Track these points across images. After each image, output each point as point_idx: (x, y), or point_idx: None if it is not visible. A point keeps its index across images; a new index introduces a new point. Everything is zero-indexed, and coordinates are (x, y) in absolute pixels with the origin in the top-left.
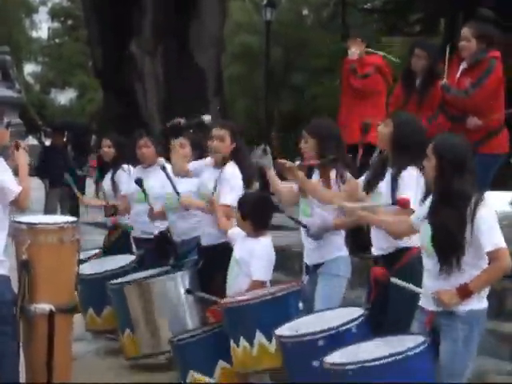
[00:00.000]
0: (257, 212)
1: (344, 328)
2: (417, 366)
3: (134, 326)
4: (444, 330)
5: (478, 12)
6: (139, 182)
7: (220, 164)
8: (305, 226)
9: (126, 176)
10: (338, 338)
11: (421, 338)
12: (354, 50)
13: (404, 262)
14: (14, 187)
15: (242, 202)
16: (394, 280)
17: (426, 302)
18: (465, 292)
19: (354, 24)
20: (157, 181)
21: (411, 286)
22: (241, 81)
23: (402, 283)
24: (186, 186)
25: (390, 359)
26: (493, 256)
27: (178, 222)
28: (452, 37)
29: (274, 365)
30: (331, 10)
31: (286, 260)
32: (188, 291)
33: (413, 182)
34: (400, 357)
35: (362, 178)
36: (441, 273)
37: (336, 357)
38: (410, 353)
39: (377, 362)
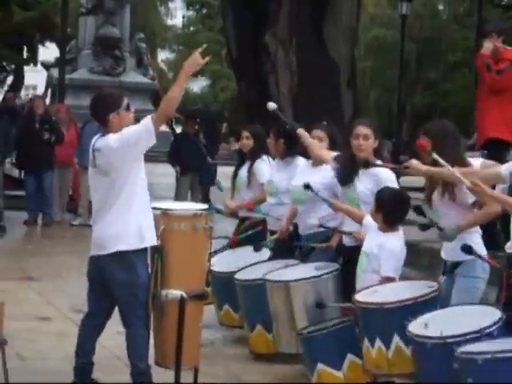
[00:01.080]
0: (391, 206)
1: (487, 331)
2: None
3: (274, 322)
4: None
5: None
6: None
7: None
8: (440, 228)
9: (267, 166)
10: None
11: None
12: (488, 45)
13: None
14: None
15: (378, 194)
16: None
17: None
18: None
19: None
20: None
21: None
22: (373, 74)
23: None
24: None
25: None
26: None
27: (304, 215)
28: None
29: (409, 369)
30: (468, 6)
31: (416, 255)
32: (319, 305)
33: None
34: None
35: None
36: None
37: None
38: None
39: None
